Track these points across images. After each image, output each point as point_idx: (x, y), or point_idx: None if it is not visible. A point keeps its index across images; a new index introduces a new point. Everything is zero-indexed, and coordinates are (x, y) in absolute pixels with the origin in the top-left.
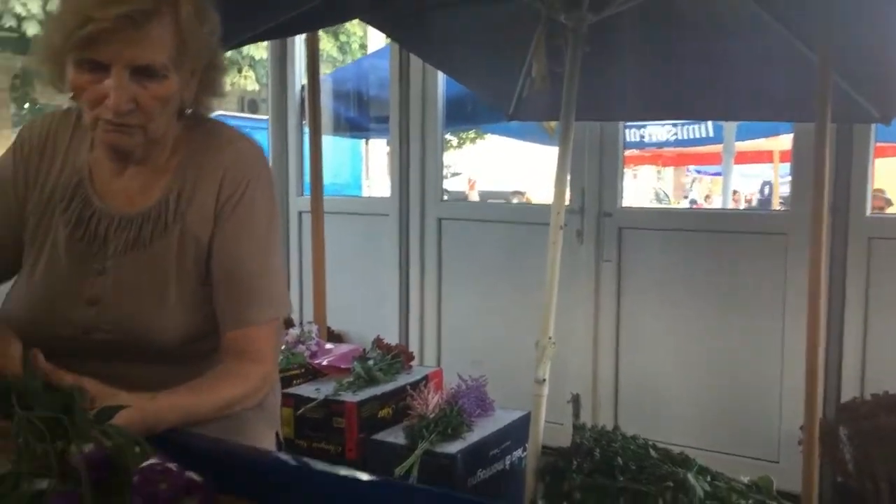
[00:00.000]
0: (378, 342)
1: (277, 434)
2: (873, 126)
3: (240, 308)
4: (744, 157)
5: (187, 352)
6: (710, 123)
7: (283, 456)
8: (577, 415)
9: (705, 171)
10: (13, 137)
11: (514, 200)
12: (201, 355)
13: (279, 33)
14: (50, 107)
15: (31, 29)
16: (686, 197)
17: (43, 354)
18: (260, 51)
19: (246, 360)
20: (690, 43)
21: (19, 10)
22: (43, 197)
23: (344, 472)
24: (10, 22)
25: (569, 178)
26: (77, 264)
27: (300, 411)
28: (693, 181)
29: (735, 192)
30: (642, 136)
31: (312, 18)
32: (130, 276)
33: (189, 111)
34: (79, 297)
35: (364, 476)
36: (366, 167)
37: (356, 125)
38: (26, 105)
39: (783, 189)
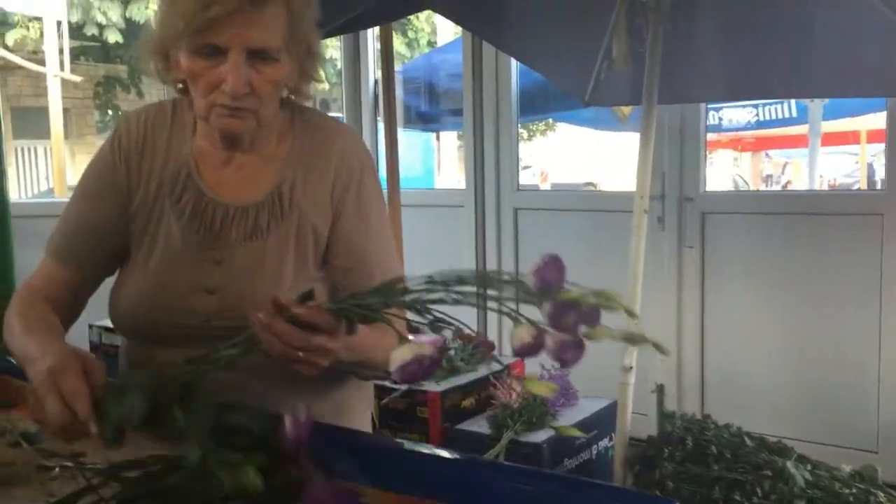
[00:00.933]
0: (459, 333)
1: (371, 415)
2: None
3: None
4: (828, 139)
5: None
6: (793, 104)
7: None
8: (661, 405)
9: (787, 154)
10: (98, 143)
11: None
12: None
13: (354, 27)
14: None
15: (112, 37)
16: (778, 182)
17: (163, 343)
18: (329, 49)
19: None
20: (775, 17)
21: (100, 18)
22: (150, 192)
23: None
24: (92, 30)
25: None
26: (194, 255)
27: (384, 401)
28: (785, 165)
29: (820, 177)
30: (720, 119)
31: (385, 10)
32: (248, 265)
33: (289, 97)
34: (197, 286)
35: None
36: (437, 160)
37: (427, 118)
38: (109, 111)
39: (870, 172)
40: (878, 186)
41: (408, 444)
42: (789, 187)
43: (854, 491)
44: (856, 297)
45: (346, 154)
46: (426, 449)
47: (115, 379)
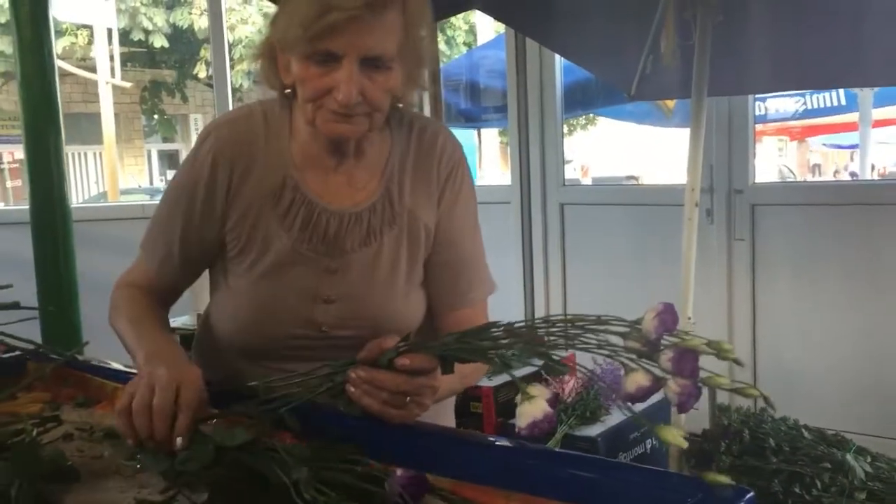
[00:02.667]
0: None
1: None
2: None
3: (466, 288)
4: (875, 126)
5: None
6: (842, 91)
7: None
8: (713, 399)
9: (835, 141)
10: (146, 147)
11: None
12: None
13: None
14: (177, 118)
15: (158, 42)
16: (847, 170)
17: (276, 354)
18: None
19: None
20: (825, 5)
21: (146, 24)
22: (252, 203)
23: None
24: (138, 36)
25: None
26: (309, 265)
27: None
28: (853, 153)
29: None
30: (766, 109)
31: (434, 10)
32: (364, 271)
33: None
34: (315, 297)
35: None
36: (479, 156)
37: (468, 115)
38: (155, 116)
39: None
40: None
41: (478, 436)
42: (838, 177)
43: None
44: None
45: (444, 149)
46: (501, 441)
47: None
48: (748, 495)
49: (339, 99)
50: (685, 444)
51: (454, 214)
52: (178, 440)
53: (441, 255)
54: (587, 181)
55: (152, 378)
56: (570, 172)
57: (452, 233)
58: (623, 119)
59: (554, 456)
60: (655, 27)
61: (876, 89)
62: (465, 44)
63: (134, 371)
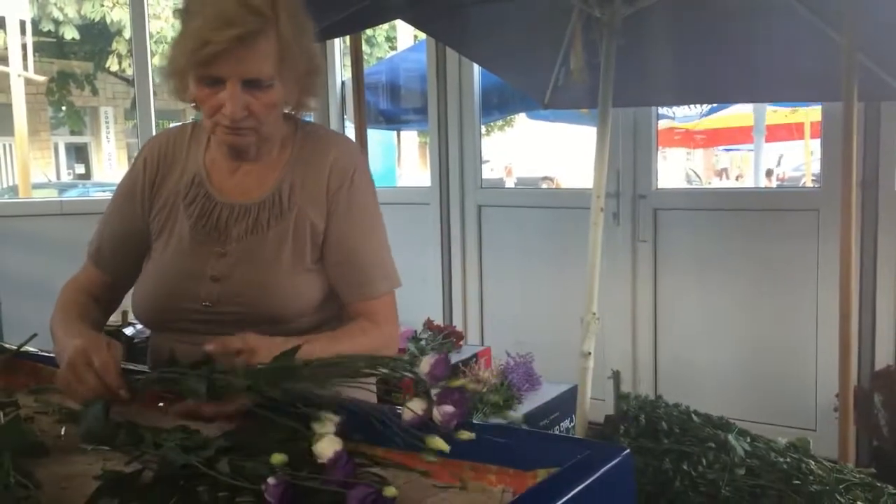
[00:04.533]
0: (429, 323)
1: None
2: None
3: (361, 284)
4: (775, 135)
5: (301, 323)
6: None
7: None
8: (618, 389)
9: (738, 148)
10: (52, 140)
11: (544, 186)
12: (314, 327)
13: (323, 36)
14: (86, 109)
15: (69, 33)
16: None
17: (175, 327)
18: None
19: (373, 321)
20: (721, 29)
21: (57, 14)
22: (169, 197)
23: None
24: (48, 26)
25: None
26: (202, 248)
27: None
28: (781, 157)
29: (769, 172)
30: (674, 112)
31: (355, 20)
32: (249, 256)
33: (293, 112)
34: (204, 275)
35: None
36: (398, 157)
37: (388, 117)
38: (63, 108)
39: (816, 165)
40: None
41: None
42: (741, 181)
43: (788, 460)
44: (795, 288)
45: (340, 157)
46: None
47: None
48: (624, 452)
49: (227, 114)
50: (447, 448)
51: (344, 219)
52: (122, 392)
53: (334, 255)
54: (511, 181)
55: (73, 358)
56: (490, 173)
57: (341, 234)
58: (541, 119)
59: (472, 426)
60: (566, 44)
61: None
62: (387, 39)
63: None
